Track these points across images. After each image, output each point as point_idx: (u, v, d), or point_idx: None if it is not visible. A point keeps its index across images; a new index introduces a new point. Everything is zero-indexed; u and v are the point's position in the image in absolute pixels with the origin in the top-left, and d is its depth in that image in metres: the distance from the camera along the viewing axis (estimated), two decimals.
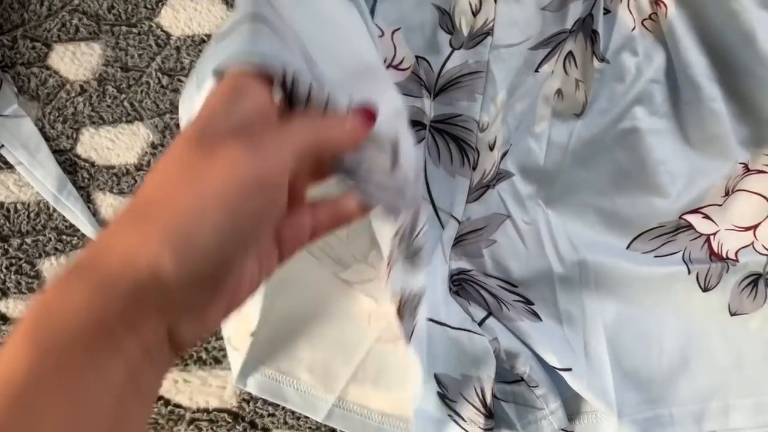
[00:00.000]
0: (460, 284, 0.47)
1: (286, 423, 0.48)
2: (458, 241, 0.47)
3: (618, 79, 0.48)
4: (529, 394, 0.45)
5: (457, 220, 0.47)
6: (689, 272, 0.47)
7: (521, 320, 0.45)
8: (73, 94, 0.52)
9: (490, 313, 0.46)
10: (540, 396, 0.45)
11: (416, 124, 0.48)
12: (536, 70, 0.48)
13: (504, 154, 0.48)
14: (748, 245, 0.47)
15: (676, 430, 0.46)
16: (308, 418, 0.47)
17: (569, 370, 0.44)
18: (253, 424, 0.48)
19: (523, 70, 0.48)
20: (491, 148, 0.47)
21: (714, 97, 0.47)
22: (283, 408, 0.48)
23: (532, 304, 0.47)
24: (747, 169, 0.48)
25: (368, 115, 0.29)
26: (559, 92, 0.49)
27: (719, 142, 0.47)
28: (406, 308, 0.37)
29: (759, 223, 0.47)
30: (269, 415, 0.48)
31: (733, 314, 0.47)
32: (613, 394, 0.45)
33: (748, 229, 0.48)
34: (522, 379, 0.45)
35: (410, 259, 0.36)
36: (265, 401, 0.48)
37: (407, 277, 0.37)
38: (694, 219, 0.48)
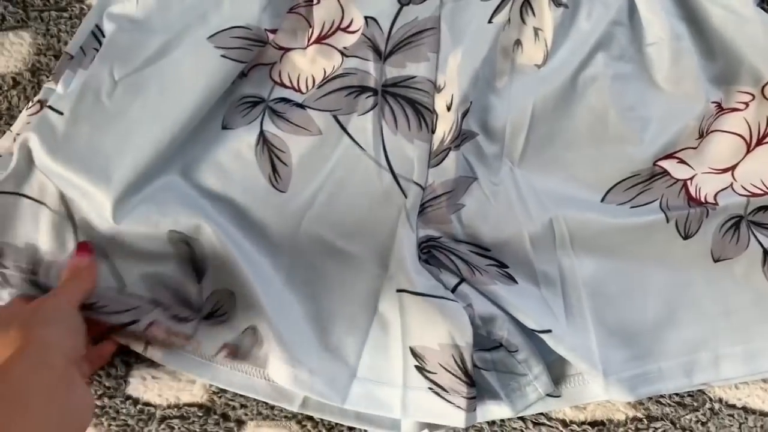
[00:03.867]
0: (429, 252, 0.45)
1: (260, 413, 0.46)
2: (424, 208, 0.45)
3: (578, 24, 0.46)
4: (510, 360, 0.43)
5: (421, 187, 0.45)
6: (668, 220, 0.45)
7: (494, 284, 0.43)
8: (6, 88, 0.49)
9: (462, 279, 0.44)
10: (521, 361, 0.43)
11: (366, 89, 0.45)
12: (489, 21, 0.45)
13: (465, 114, 0.45)
14: (726, 187, 0.46)
15: (666, 385, 0.44)
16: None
17: (549, 331, 0.42)
18: (225, 417, 0.46)
19: (477, 23, 0.45)
20: (448, 109, 0.44)
21: (680, 34, 0.45)
22: (255, 399, 0.45)
23: (507, 267, 0.45)
24: (720, 108, 0.46)
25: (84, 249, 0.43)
26: (518, 43, 0.46)
27: (689, 82, 0.46)
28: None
29: (737, 164, 0.46)
30: (242, 406, 0.46)
31: (716, 260, 0.45)
32: (597, 353, 0.43)
33: (725, 170, 0.46)
34: (501, 345, 0.43)
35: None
36: (235, 393, 0.46)
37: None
38: (668, 164, 0.46)
